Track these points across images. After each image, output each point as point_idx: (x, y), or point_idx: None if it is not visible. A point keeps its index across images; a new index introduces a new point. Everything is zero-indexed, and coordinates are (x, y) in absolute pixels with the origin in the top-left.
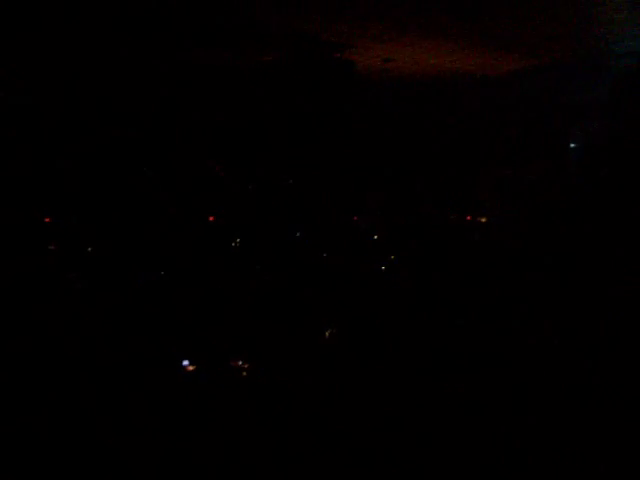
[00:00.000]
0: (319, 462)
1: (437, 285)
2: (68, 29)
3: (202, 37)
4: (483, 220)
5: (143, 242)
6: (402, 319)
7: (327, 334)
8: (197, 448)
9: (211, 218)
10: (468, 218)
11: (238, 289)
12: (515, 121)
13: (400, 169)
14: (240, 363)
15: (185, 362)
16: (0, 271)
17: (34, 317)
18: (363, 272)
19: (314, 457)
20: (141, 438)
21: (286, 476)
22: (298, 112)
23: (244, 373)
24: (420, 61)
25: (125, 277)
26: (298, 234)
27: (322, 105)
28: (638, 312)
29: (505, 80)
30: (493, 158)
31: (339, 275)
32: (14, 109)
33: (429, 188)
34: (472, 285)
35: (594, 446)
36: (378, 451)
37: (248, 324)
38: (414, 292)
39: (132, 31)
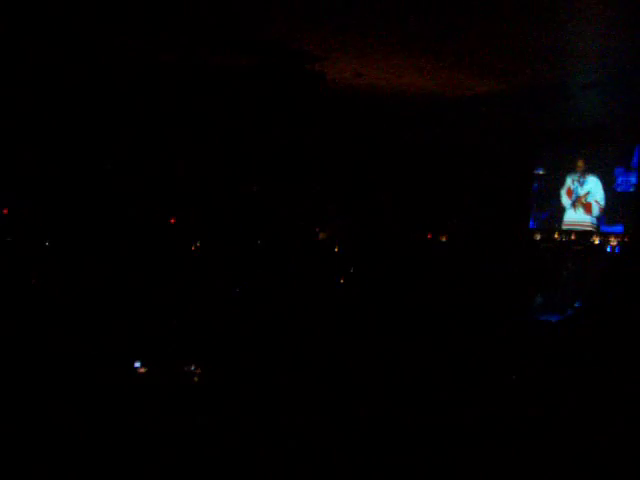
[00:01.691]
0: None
1: (393, 298)
2: (68, 24)
3: (171, 35)
4: (444, 239)
5: (100, 239)
6: (355, 331)
7: (279, 343)
8: (148, 450)
9: (172, 220)
10: (429, 236)
11: (193, 293)
12: (481, 144)
13: (364, 183)
14: (192, 368)
15: (137, 364)
16: None
17: None
18: (321, 283)
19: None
20: (90, 438)
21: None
22: (266, 118)
23: (195, 378)
24: (390, 78)
25: (80, 274)
26: (259, 241)
27: (290, 114)
28: None
29: (474, 102)
30: (459, 179)
31: (297, 284)
32: None
33: (393, 204)
34: (426, 298)
35: None
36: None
37: (201, 329)
38: (369, 305)
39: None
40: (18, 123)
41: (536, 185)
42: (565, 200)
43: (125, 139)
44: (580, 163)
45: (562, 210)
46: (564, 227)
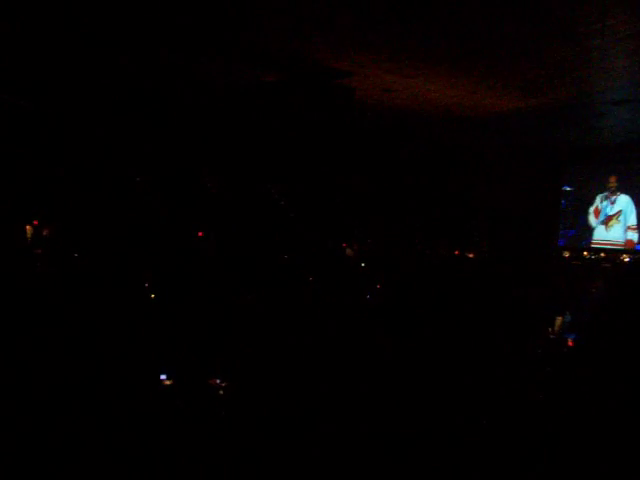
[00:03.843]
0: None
1: (420, 315)
2: (75, 37)
3: (203, 51)
4: (471, 255)
5: (130, 253)
6: (383, 348)
7: (306, 358)
8: (173, 462)
9: (200, 234)
10: (456, 252)
11: (219, 307)
12: (509, 160)
13: (393, 200)
14: (218, 382)
15: (163, 376)
16: None
17: (15, 322)
18: (348, 298)
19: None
20: (115, 447)
21: None
22: (294, 134)
23: (221, 392)
24: (419, 94)
25: (109, 287)
26: (286, 256)
27: (319, 130)
28: None
29: (502, 118)
30: (486, 196)
31: (324, 300)
32: (10, 112)
33: (420, 221)
34: (455, 317)
35: None
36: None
37: (228, 344)
38: (397, 322)
39: (133, 41)
40: (51, 136)
41: (564, 202)
42: (592, 219)
43: (155, 153)
44: (611, 180)
45: (591, 228)
46: (594, 245)
